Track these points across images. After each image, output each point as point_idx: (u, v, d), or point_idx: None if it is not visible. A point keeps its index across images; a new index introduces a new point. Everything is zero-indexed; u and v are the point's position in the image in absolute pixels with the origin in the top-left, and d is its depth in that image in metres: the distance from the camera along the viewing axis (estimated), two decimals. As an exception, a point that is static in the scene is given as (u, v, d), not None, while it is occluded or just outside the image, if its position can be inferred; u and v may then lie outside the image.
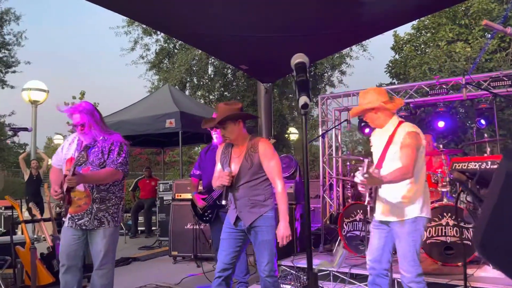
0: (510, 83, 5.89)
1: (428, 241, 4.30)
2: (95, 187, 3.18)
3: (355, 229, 4.99)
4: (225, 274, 2.97)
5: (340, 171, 7.45)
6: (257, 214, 2.92)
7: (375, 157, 3.01)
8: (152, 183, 9.43)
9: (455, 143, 10.37)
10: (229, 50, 6.86)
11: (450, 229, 4.28)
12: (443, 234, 4.30)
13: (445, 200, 4.46)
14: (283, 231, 2.86)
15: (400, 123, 2.94)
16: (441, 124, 6.65)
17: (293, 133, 19.34)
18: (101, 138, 3.24)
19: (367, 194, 2.92)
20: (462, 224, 4.23)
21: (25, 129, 3.88)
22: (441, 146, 5.06)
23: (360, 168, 2.84)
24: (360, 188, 3.01)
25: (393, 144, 2.86)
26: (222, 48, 6.95)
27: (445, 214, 4.27)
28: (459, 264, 4.17)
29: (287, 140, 19.14)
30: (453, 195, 4.71)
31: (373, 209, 2.97)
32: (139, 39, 17.14)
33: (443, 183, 4.50)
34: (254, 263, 5.02)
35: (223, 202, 2.99)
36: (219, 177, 3.00)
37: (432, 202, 4.14)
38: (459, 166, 3.15)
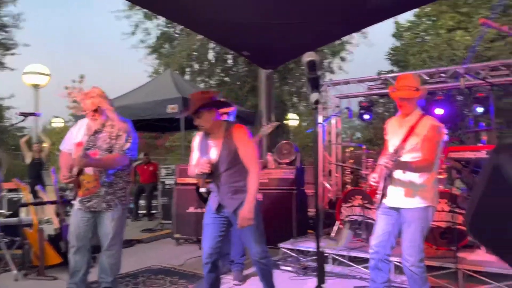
0: (508, 73, 5.99)
1: (424, 226, 4.43)
2: (104, 171, 3.29)
3: (353, 214, 5.13)
4: (212, 259, 3.02)
5: (339, 157, 7.57)
6: (240, 200, 2.94)
7: (391, 145, 3.04)
8: (151, 168, 9.52)
9: (452, 131, 10.48)
10: (231, 36, 6.91)
11: (446, 214, 4.43)
12: (439, 219, 4.44)
13: (441, 186, 4.59)
14: (244, 214, 2.86)
15: (422, 115, 3.02)
16: (439, 111, 6.75)
17: (293, 119, 19.41)
18: (109, 123, 3.34)
19: (381, 181, 2.99)
20: (457, 209, 4.37)
21: (34, 114, 3.97)
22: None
23: (387, 153, 2.91)
24: (371, 180, 3.09)
25: (414, 135, 2.93)
26: (224, 34, 7.00)
27: (440, 200, 4.40)
28: (453, 248, 4.32)
29: (287, 126, 19.23)
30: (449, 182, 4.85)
31: (384, 196, 3.02)
32: (140, 23, 17.10)
33: (440, 171, 4.62)
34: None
35: (202, 190, 3.04)
36: (199, 164, 3.02)
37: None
38: (455, 155, 3.27)
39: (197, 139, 3.21)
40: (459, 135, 8.68)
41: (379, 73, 7.77)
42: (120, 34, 17.76)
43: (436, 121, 2.99)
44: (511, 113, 10.83)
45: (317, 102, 1.31)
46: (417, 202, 2.91)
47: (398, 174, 2.95)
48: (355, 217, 5.08)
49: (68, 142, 3.47)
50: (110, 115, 3.35)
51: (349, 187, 6.27)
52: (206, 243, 3.04)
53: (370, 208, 4.96)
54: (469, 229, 1.18)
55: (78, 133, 3.42)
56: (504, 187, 1.02)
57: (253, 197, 2.91)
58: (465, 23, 13.09)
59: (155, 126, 10.47)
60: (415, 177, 2.92)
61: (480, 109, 6.43)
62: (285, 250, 4.89)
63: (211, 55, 17.34)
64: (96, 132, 3.32)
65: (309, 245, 4.81)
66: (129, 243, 6.18)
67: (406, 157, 2.86)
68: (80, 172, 3.27)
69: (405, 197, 2.94)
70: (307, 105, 21.28)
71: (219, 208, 3.05)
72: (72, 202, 3.43)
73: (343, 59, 18.76)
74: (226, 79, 17.78)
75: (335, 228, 5.38)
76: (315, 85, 1.32)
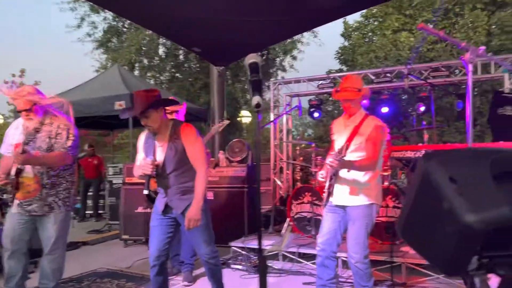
0: (447, 73, 6.31)
1: (370, 222, 4.58)
2: (45, 173, 3.12)
3: (303, 210, 5.21)
4: (160, 261, 2.95)
5: (290, 154, 7.67)
6: (188, 201, 2.88)
7: (337, 145, 3.10)
8: (95, 162, 9.16)
9: (398, 128, 10.93)
10: (181, 31, 6.80)
11: (390, 210, 4.59)
12: (385, 214, 4.60)
13: (386, 183, 4.76)
14: (192, 215, 2.80)
15: (366, 115, 3.11)
16: (384, 110, 7.00)
17: (245, 116, 19.42)
18: (47, 121, 3.18)
19: (328, 180, 3.06)
20: (400, 205, 4.54)
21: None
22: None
23: (332, 152, 2.97)
24: (319, 176, 3.15)
25: (358, 134, 3.01)
26: (174, 30, 6.88)
27: (385, 196, 4.56)
28: (397, 242, 4.50)
29: (240, 123, 19.24)
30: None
31: (330, 194, 3.09)
32: (86, 16, 16.42)
33: (385, 167, 4.79)
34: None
35: (145, 192, 2.92)
36: (142, 166, 2.92)
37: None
38: (397, 154, 3.40)
39: (142, 139, 3.11)
40: (404, 133, 9.09)
41: (329, 72, 7.94)
42: (64, 27, 16.95)
43: (379, 121, 3.08)
44: (451, 112, 11.43)
45: (258, 105, 1.30)
46: (361, 200, 2.99)
47: (343, 173, 3.02)
48: (305, 214, 5.16)
49: (6, 145, 3.27)
50: (47, 112, 3.18)
51: (299, 184, 6.36)
52: (153, 246, 2.96)
53: (319, 205, 5.06)
54: (401, 231, 1.23)
55: (15, 134, 3.23)
56: (432, 193, 1.07)
57: (201, 197, 2.86)
58: (409, 24, 13.69)
59: (102, 123, 10.12)
60: (359, 176, 3.00)
61: (423, 108, 6.72)
62: (236, 249, 4.88)
63: (161, 51, 16.99)
64: (34, 132, 3.14)
65: (260, 243, 4.82)
66: (75, 245, 5.95)
67: (350, 157, 2.93)
68: (19, 173, 3.08)
69: (350, 195, 3.02)
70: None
71: (166, 209, 2.97)
72: (9, 204, 3.23)
73: (294, 57, 19.01)
74: (178, 75, 17.48)
75: (285, 225, 5.44)
76: (257, 88, 1.31)
